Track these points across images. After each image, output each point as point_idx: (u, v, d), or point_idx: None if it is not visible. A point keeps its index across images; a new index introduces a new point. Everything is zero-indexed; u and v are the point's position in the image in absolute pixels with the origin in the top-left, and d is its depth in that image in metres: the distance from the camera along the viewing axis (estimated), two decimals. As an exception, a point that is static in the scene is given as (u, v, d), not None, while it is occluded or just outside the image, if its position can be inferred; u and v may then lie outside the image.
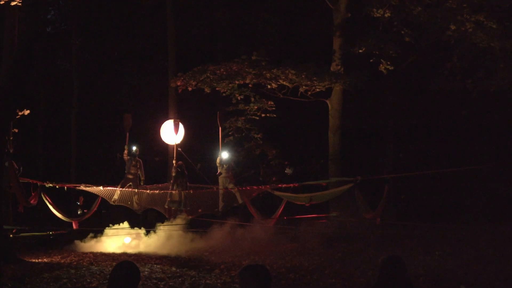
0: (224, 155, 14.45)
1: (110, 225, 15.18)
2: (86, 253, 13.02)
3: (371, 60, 14.16)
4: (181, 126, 14.64)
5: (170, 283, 9.10)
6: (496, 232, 11.58)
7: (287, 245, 12.70)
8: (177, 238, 13.99)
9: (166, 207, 13.95)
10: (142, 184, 14.26)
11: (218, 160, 14.23)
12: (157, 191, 14.18)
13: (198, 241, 13.94)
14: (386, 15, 13.50)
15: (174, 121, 14.38)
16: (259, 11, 20.58)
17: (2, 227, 10.37)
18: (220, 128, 14.95)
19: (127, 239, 14.56)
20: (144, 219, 16.75)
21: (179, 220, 14.05)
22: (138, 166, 14.23)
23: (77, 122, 22.51)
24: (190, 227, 14.27)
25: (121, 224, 15.08)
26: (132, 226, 15.18)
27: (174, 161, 14.12)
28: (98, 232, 14.86)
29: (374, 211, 11.34)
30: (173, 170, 14.10)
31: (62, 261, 11.83)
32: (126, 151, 14.13)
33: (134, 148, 14.23)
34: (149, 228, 14.98)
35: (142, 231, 14.97)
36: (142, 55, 23.77)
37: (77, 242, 14.50)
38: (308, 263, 10.67)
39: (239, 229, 13.93)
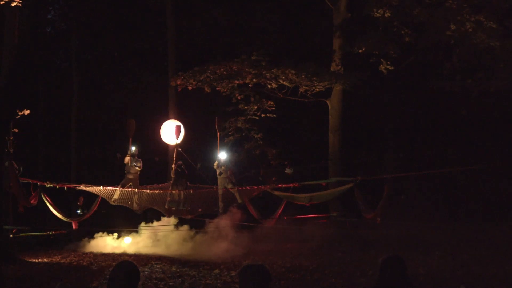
0: (222, 155, 14.48)
1: (144, 223, 15.06)
2: (86, 253, 13.02)
3: (371, 60, 14.16)
4: (182, 127, 14.62)
5: (170, 283, 9.10)
6: (496, 232, 11.59)
7: (287, 245, 12.71)
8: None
9: (166, 207, 13.95)
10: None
11: (215, 164, 14.26)
12: (157, 191, 14.18)
13: (199, 241, 13.95)
14: (386, 15, 13.48)
15: (176, 126, 14.33)
16: (259, 11, 20.57)
17: (2, 227, 10.39)
18: (218, 133, 14.93)
19: (127, 239, 14.55)
20: (144, 220, 16.74)
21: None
22: (139, 166, 14.25)
23: (77, 122, 22.50)
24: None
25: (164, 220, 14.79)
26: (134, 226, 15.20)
27: (173, 165, 14.11)
28: (96, 232, 14.81)
29: (374, 211, 11.35)
30: (173, 171, 14.09)
31: (62, 261, 11.84)
32: (129, 157, 14.11)
33: (133, 148, 14.23)
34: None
35: (191, 232, 14.57)
36: (142, 55, 23.77)
37: (77, 242, 14.49)
38: (308, 263, 10.67)
39: (239, 229, 13.93)
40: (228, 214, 14.15)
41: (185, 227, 14.70)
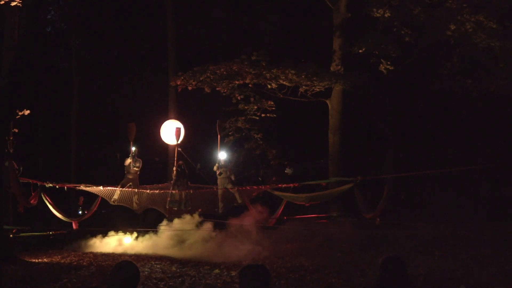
0: (222, 155, 14.48)
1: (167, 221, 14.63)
2: (86, 253, 13.03)
3: (371, 60, 14.15)
4: (182, 128, 14.58)
5: (170, 283, 9.10)
6: (496, 232, 11.58)
7: (287, 245, 12.71)
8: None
9: (167, 207, 13.94)
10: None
11: (215, 167, 14.25)
12: (157, 191, 14.18)
13: (198, 241, 13.92)
14: (386, 15, 13.48)
15: (177, 128, 14.29)
16: (259, 11, 20.58)
17: (2, 227, 10.38)
18: (219, 136, 14.89)
19: (127, 239, 14.54)
20: (144, 219, 16.74)
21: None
22: (138, 166, 14.24)
23: (77, 122, 22.51)
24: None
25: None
26: (132, 226, 15.11)
27: (174, 168, 14.07)
28: (96, 232, 14.77)
29: (374, 211, 11.35)
30: (174, 174, 14.05)
31: (62, 261, 11.84)
32: (129, 160, 14.08)
33: (133, 148, 14.23)
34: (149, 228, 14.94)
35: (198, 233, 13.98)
36: (142, 55, 23.77)
37: (77, 242, 14.48)
38: (308, 263, 10.67)
39: (238, 229, 13.92)
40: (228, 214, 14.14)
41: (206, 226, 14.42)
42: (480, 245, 10.74)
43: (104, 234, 14.77)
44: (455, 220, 14.33)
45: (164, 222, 14.67)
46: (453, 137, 17.79)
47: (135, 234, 14.61)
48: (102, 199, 13.82)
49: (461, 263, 9.51)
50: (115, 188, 13.88)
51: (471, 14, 11.91)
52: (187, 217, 14.21)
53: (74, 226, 13.78)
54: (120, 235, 14.60)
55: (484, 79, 12.64)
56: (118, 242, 14.45)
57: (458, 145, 17.54)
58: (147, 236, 14.61)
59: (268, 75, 14.36)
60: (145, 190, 14.15)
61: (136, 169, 14.13)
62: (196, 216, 14.05)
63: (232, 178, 14.24)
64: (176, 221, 14.38)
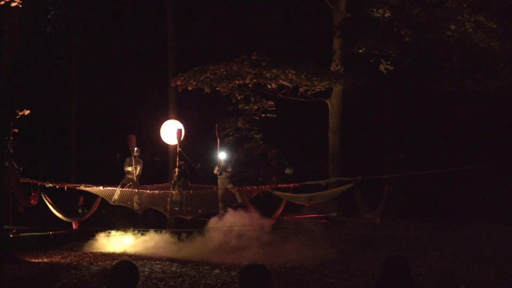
0: (222, 155, 14.47)
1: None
2: (86, 253, 13.02)
3: (371, 60, 14.16)
4: (182, 129, 14.55)
5: (170, 283, 9.10)
6: (496, 232, 11.58)
7: (287, 245, 12.69)
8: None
9: (168, 208, 13.93)
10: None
11: (216, 170, 14.22)
12: (157, 191, 14.17)
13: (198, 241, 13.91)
14: (386, 15, 13.49)
15: (178, 130, 14.24)
16: (259, 10, 20.60)
17: (2, 227, 10.39)
18: (218, 140, 14.84)
19: (127, 239, 14.53)
20: (145, 219, 16.73)
21: None
22: (139, 172, 14.21)
23: (77, 122, 22.49)
24: None
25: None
26: (133, 226, 15.09)
27: (176, 170, 14.05)
28: (96, 232, 14.74)
29: (374, 211, 11.35)
30: (175, 176, 14.02)
31: (62, 261, 11.83)
32: (132, 169, 14.04)
33: (135, 148, 14.22)
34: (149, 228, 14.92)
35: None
36: (142, 55, 23.76)
37: (77, 242, 14.47)
38: (308, 263, 10.67)
39: (239, 229, 13.90)
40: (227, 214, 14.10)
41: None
42: (480, 245, 10.74)
43: (104, 234, 14.76)
44: (455, 220, 14.34)
45: (213, 219, 13.75)
46: (453, 137, 17.79)
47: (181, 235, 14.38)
48: (102, 199, 13.81)
49: (461, 263, 9.50)
50: (115, 188, 13.87)
51: (471, 14, 11.92)
52: (241, 212, 13.43)
53: (74, 226, 13.77)
54: (124, 234, 14.58)
55: (484, 79, 12.65)
56: (118, 242, 14.43)
57: (458, 145, 17.54)
58: (193, 236, 14.00)
59: (268, 75, 14.37)
60: (145, 190, 14.14)
61: (137, 173, 14.13)
62: (253, 212, 13.36)
63: (229, 170, 14.16)
64: (229, 213, 13.46)
